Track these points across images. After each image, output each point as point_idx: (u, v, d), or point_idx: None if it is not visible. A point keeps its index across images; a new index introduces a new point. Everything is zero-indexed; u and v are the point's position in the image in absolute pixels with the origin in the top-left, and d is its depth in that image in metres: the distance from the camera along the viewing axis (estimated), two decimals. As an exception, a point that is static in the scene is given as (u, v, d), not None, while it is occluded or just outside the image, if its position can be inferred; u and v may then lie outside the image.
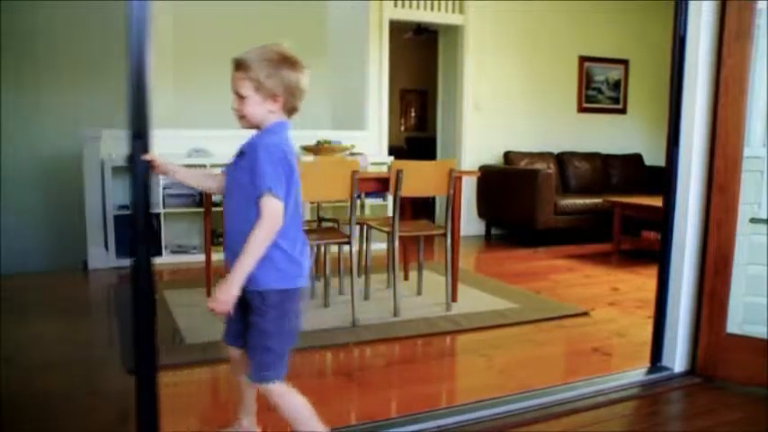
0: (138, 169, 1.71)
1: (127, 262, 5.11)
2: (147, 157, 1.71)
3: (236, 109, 1.69)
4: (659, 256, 2.72)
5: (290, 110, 1.73)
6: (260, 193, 1.60)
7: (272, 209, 1.60)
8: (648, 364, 2.73)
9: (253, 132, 1.73)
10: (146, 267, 1.74)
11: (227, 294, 1.61)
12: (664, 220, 2.69)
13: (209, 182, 1.89)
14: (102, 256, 4.73)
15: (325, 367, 2.82)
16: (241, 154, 1.70)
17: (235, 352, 1.86)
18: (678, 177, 2.62)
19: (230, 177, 1.74)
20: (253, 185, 1.61)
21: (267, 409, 1.85)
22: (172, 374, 2.61)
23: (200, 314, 3.42)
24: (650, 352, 2.75)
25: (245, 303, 1.71)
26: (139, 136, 1.70)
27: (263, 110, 1.68)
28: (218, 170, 1.93)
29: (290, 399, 1.76)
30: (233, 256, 1.65)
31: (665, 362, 2.70)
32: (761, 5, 2.41)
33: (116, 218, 4.77)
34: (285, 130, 1.72)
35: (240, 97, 1.67)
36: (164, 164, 1.76)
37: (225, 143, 5.19)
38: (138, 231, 1.74)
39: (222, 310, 1.64)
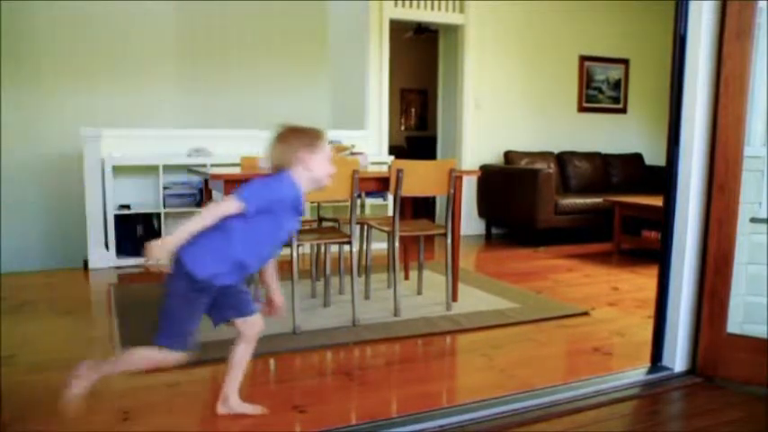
0: None
1: (127, 261, 5.12)
2: None
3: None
4: (659, 256, 2.72)
5: None
6: None
7: None
8: (649, 364, 2.73)
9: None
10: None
11: None
12: (664, 220, 2.69)
13: None
14: (103, 256, 4.73)
15: (326, 367, 2.82)
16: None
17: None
18: (678, 177, 2.62)
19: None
20: None
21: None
22: (172, 374, 2.61)
23: (201, 314, 3.41)
24: (650, 352, 2.75)
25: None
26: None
27: None
28: None
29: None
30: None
31: (666, 361, 2.70)
32: (761, 5, 2.40)
33: (116, 217, 4.77)
34: None
35: None
36: None
37: (225, 143, 5.23)
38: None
39: None
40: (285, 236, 2.05)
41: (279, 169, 2.00)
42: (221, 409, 2.21)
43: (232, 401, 2.20)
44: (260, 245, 1.99)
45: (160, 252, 1.84)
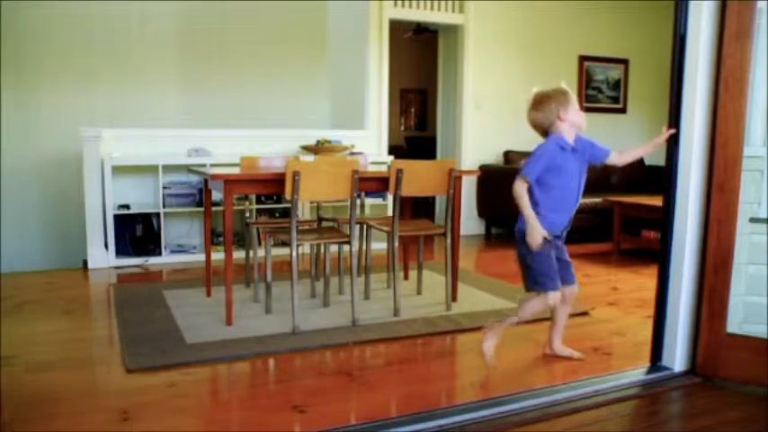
0: None
1: (126, 261, 5.11)
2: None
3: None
4: (659, 256, 2.72)
5: None
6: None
7: None
8: (648, 364, 2.74)
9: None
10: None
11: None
12: (664, 220, 2.69)
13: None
14: (102, 256, 4.73)
15: (326, 367, 2.82)
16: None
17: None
18: (678, 177, 2.63)
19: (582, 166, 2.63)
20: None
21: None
22: (172, 374, 2.61)
23: (201, 314, 3.42)
24: (650, 351, 2.75)
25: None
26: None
27: None
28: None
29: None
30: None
31: (665, 361, 2.70)
32: (761, 5, 2.41)
33: (116, 217, 4.77)
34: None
35: None
36: None
37: (225, 143, 5.24)
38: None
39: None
40: (578, 178, 2.62)
41: (541, 129, 2.59)
42: (547, 351, 2.85)
43: (555, 346, 2.83)
44: (560, 191, 2.58)
45: (538, 235, 2.51)
